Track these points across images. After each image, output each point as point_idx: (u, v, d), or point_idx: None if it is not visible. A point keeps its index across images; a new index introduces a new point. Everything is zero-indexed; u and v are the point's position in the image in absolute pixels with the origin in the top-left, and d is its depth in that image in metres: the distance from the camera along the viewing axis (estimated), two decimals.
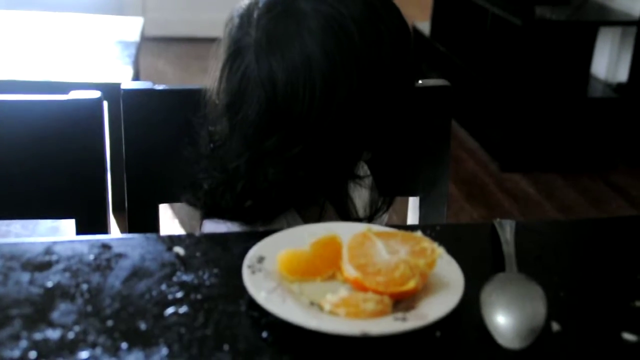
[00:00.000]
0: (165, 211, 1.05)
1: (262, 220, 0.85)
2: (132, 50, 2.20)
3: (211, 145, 0.87)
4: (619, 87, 2.98)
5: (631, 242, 0.85)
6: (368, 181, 0.91)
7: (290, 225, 0.80)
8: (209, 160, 0.87)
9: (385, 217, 0.98)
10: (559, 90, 2.92)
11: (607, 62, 3.12)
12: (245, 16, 0.83)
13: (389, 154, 0.91)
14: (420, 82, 1.13)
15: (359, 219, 0.89)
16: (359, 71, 0.80)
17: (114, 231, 1.36)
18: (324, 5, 0.79)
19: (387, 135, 0.88)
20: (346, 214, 0.87)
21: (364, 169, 0.90)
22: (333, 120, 0.80)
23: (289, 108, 0.79)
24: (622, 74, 3.03)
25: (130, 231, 1.05)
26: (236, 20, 0.84)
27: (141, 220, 1.06)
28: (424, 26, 3.66)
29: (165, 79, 3.50)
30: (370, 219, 0.91)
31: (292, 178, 0.82)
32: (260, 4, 0.82)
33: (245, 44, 0.82)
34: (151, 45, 3.71)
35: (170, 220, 1.67)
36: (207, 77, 0.87)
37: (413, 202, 1.15)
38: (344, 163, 0.85)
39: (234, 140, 0.83)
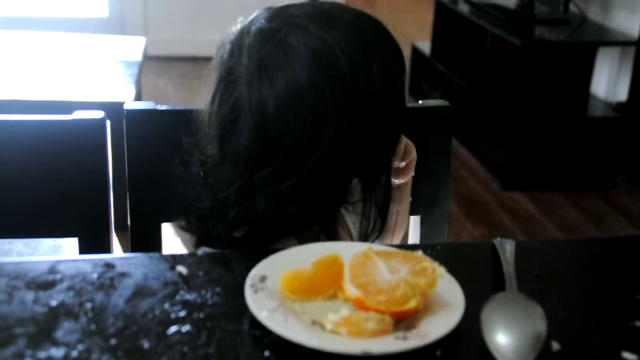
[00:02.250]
0: (168, 230, 1.06)
1: (256, 248, 0.85)
2: (135, 70, 2.21)
3: (202, 173, 0.87)
4: (619, 106, 3.00)
5: (631, 262, 0.86)
6: (357, 207, 0.92)
7: (287, 247, 0.80)
8: (200, 187, 0.87)
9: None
10: (559, 110, 2.93)
11: (607, 82, 3.14)
12: (237, 44, 0.83)
13: (379, 177, 0.92)
14: (420, 102, 1.14)
15: None
16: (349, 104, 0.80)
17: (117, 250, 1.36)
18: (315, 40, 0.79)
19: (378, 161, 0.89)
20: (336, 240, 0.87)
21: (354, 196, 0.90)
22: (324, 153, 0.80)
23: (280, 141, 0.79)
24: (621, 93, 3.05)
25: (133, 250, 1.05)
26: (227, 47, 0.84)
27: (144, 239, 1.06)
28: (424, 46, 3.69)
29: (167, 97, 3.52)
30: None
31: (282, 211, 0.82)
32: (252, 33, 0.82)
33: (236, 74, 0.82)
34: (153, 64, 3.73)
35: (172, 239, 1.68)
36: (199, 100, 0.87)
37: (414, 221, 1.16)
38: (335, 193, 0.85)
39: (225, 169, 0.83)
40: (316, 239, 0.86)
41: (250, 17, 0.85)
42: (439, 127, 1.14)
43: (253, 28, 0.83)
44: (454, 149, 3.21)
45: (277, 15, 0.83)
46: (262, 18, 0.84)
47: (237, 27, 0.85)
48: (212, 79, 0.85)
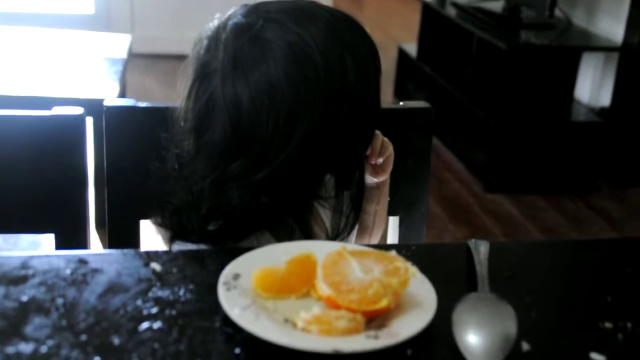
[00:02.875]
0: (146, 227, 1.05)
1: (230, 242, 0.85)
2: (119, 67, 2.20)
3: (176, 165, 0.88)
4: (602, 111, 3.02)
5: (603, 264, 0.87)
6: (331, 203, 0.92)
7: (260, 243, 0.80)
8: (175, 180, 0.87)
9: (352, 237, 0.98)
10: (542, 114, 2.95)
11: (590, 87, 3.16)
12: (213, 39, 0.84)
13: (353, 175, 0.92)
14: (401, 103, 1.14)
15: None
16: (322, 100, 0.81)
17: (96, 247, 1.36)
18: (290, 35, 0.80)
19: (351, 158, 0.89)
20: (310, 235, 0.88)
21: (327, 191, 0.91)
22: (296, 147, 0.81)
23: (253, 133, 0.80)
24: (605, 99, 3.07)
25: (110, 246, 1.05)
26: (204, 42, 0.85)
27: (122, 236, 1.06)
28: (411, 48, 3.70)
29: (152, 95, 3.51)
30: (333, 240, 0.92)
31: (255, 203, 0.83)
32: (228, 28, 0.83)
33: (212, 68, 0.83)
34: (139, 62, 3.72)
35: (152, 237, 1.67)
36: (175, 96, 0.88)
37: (393, 222, 1.16)
38: (307, 186, 0.86)
39: (199, 162, 0.84)
40: (290, 233, 0.86)
41: (228, 13, 0.86)
42: (420, 129, 1.15)
43: (230, 23, 0.84)
44: (438, 150, 3.23)
45: (253, 10, 0.84)
46: (239, 13, 0.85)
47: (214, 22, 0.86)
48: (188, 74, 0.86)
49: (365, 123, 0.87)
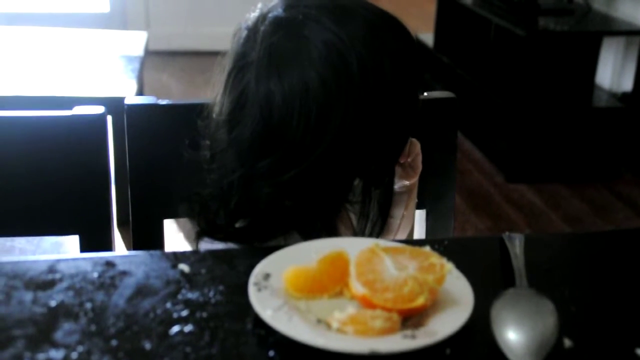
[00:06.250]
0: (170, 226, 1.04)
1: (257, 241, 0.84)
2: (136, 65, 2.20)
3: (208, 155, 0.86)
4: (624, 96, 2.97)
5: None
6: (358, 207, 0.90)
7: (288, 244, 0.78)
8: (206, 172, 0.86)
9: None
10: (563, 101, 2.91)
11: (612, 72, 3.11)
12: (252, 31, 0.82)
13: (382, 181, 0.90)
14: (425, 94, 1.12)
15: None
16: (355, 103, 0.79)
17: (119, 246, 1.35)
18: (328, 33, 0.78)
19: (382, 164, 0.87)
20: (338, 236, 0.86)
21: (355, 195, 0.89)
22: (326, 149, 0.79)
23: (284, 132, 0.79)
24: (626, 84, 3.02)
25: (134, 247, 1.04)
26: (244, 33, 0.83)
27: (146, 235, 1.05)
28: (428, 38, 3.66)
29: (169, 92, 3.50)
30: None
31: (281, 204, 0.81)
32: (267, 21, 0.81)
33: (248, 61, 0.81)
34: (155, 59, 3.71)
35: (175, 236, 1.66)
36: (213, 85, 0.87)
37: (420, 215, 1.14)
38: (336, 190, 0.84)
39: (229, 155, 0.83)
40: (318, 235, 0.84)
41: (269, 4, 0.84)
42: (445, 120, 1.13)
43: (269, 15, 0.82)
44: (458, 141, 3.18)
45: (294, 4, 0.82)
46: (280, 6, 0.83)
47: (255, 13, 0.84)
48: (225, 65, 0.84)
49: (399, 128, 0.85)
